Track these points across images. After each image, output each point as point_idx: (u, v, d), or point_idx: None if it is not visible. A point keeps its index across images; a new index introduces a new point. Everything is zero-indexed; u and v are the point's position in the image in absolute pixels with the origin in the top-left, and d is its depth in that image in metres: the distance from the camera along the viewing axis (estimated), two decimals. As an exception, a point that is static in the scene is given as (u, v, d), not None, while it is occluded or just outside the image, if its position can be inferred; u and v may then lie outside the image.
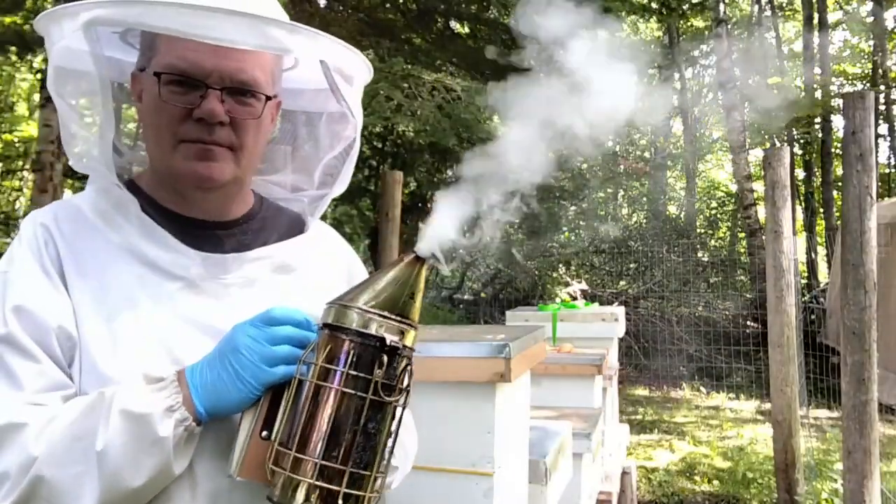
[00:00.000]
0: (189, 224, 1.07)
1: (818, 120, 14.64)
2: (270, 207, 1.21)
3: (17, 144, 12.32)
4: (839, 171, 3.73)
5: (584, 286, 10.63)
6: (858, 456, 3.17)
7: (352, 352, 0.88)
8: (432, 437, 1.29)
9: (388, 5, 7.66)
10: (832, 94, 14.79)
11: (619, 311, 4.44)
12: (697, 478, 5.69)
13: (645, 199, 16.06)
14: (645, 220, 14.19)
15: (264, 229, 1.15)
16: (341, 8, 7.43)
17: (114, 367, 0.95)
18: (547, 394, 3.24)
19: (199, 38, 0.90)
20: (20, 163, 11.91)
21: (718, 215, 16.09)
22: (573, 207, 12.29)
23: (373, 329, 0.88)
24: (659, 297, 10.75)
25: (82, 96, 1.02)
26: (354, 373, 0.87)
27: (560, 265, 11.83)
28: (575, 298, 9.03)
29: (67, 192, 7.57)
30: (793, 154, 15.14)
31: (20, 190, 13.11)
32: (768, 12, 18.46)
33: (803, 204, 17.05)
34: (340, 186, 1.19)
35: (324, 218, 1.26)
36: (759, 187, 11.73)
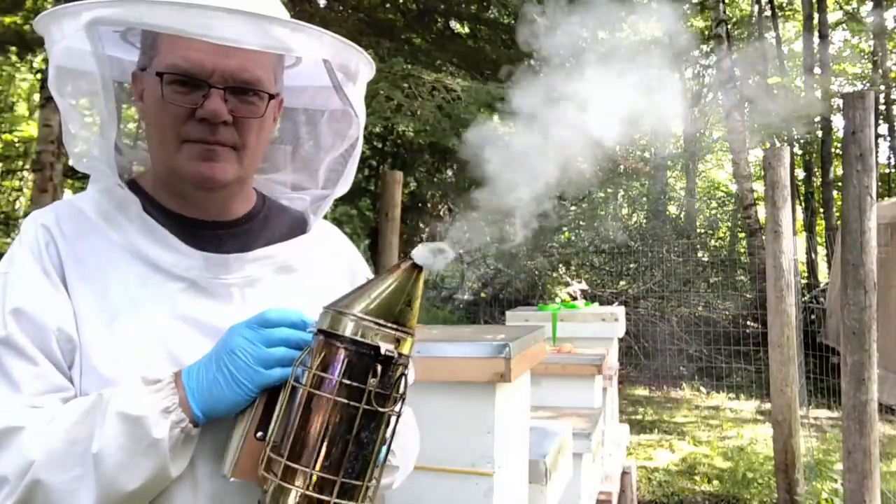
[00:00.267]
0: (191, 224, 1.07)
1: (818, 120, 14.64)
2: (273, 206, 1.20)
3: (17, 144, 12.32)
4: (839, 171, 3.73)
5: (584, 286, 10.63)
6: (858, 456, 3.17)
7: (346, 360, 0.86)
8: (432, 437, 1.29)
9: (388, 5, 7.67)
10: (832, 93, 14.79)
11: (619, 311, 4.44)
12: (697, 478, 5.69)
13: (645, 199, 16.06)
14: (645, 220, 14.18)
15: (266, 229, 1.15)
16: (341, 8, 7.43)
17: (114, 369, 0.94)
18: (547, 394, 3.24)
19: (201, 37, 0.89)
20: (20, 163, 11.91)
21: (718, 215, 16.09)
22: (573, 207, 12.29)
23: (368, 337, 0.87)
24: (659, 297, 10.75)
25: (83, 96, 1.02)
26: (348, 382, 0.86)
27: (560, 265, 11.83)
28: (575, 298, 9.04)
29: (67, 192, 7.57)
30: (793, 154, 15.15)
31: (20, 190, 13.11)
32: (768, 12, 18.46)
33: (803, 204, 17.05)
34: (344, 186, 1.18)
35: (324, 217, 1.25)
36: (759, 187, 11.73)
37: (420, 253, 0.91)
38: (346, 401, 0.86)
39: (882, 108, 16.46)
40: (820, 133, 15.78)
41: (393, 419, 0.91)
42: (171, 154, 1.01)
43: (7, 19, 7.08)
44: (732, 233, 15.94)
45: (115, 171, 1.02)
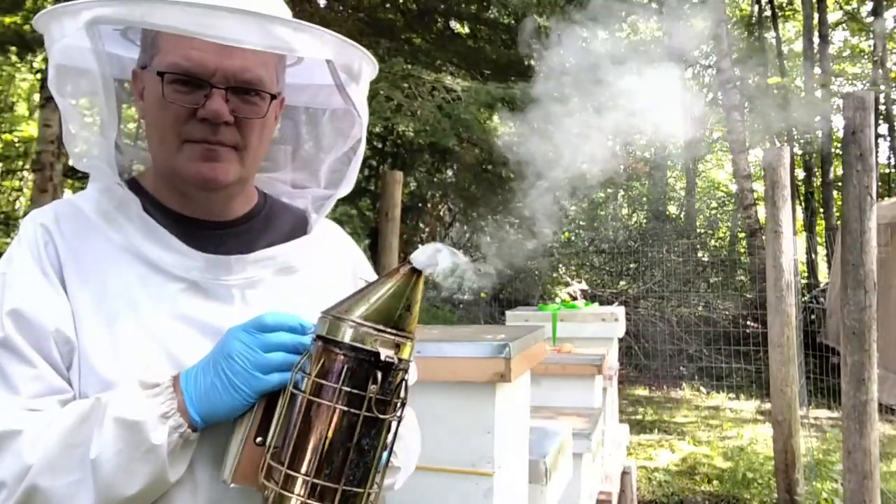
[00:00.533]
0: (191, 224, 1.06)
1: (818, 120, 14.65)
2: (275, 205, 1.19)
3: (17, 144, 12.31)
4: (839, 171, 3.73)
5: (584, 286, 10.63)
6: (858, 456, 3.17)
7: (345, 367, 0.85)
8: (432, 437, 1.29)
9: (388, 5, 7.66)
10: (832, 93, 14.79)
11: (619, 311, 4.44)
12: (697, 478, 5.69)
13: (645, 199, 16.06)
14: (645, 220, 14.19)
15: (268, 228, 1.14)
16: (341, 8, 7.43)
17: (114, 370, 0.94)
18: (547, 394, 3.24)
19: (203, 37, 0.88)
20: (20, 163, 11.91)
21: (718, 215, 16.09)
22: (573, 208, 12.29)
23: (367, 344, 0.85)
24: (659, 297, 10.75)
25: (84, 94, 1.01)
26: (348, 389, 0.85)
27: (560, 265, 11.83)
28: (575, 298, 9.04)
29: (67, 192, 7.56)
30: (793, 154, 15.14)
31: (20, 190, 13.11)
32: (768, 12, 18.46)
33: (803, 204, 17.05)
34: (346, 187, 1.17)
35: (325, 217, 1.24)
36: (759, 187, 11.73)
37: (420, 257, 0.90)
38: (346, 408, 0.85)
39: (882, 108, 16.46)
40: (820, 133, 15.78)
41: (394, 424, 0.90)
42: (172, 154, 1.00)
43: (7, 19, 7.08)
44: (732, 233, 15.95)
45: (115, 170, 1.01)
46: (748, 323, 10.24)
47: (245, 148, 1.02)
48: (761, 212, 10.37)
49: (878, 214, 3.35)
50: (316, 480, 0.84)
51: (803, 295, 9.42)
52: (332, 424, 0.85)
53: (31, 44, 6.55)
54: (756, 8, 19.07)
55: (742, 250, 14.11)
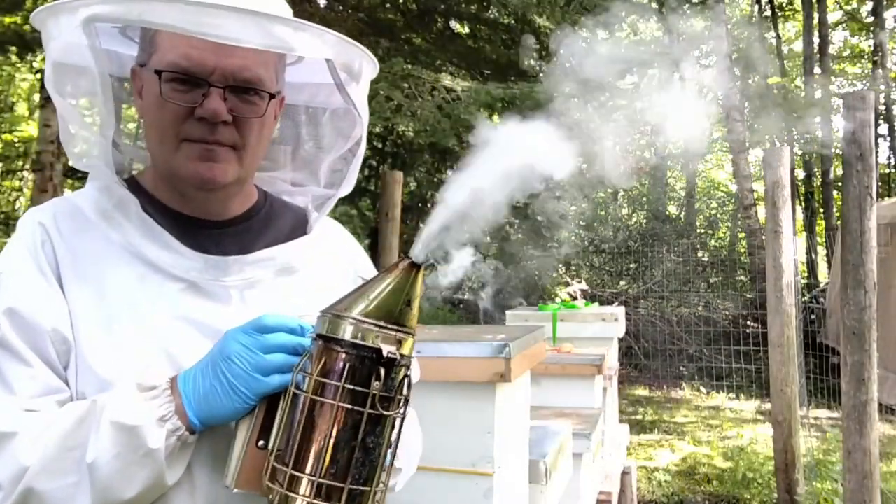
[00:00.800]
0: (190, 223, 1.06)
1: (818, 119, 14.65)
2: (275, 203, 1.19)
3: (17, 144, 12.32)
4: (839, 171, 3.73)
5: (584, 286, 10.62)
6: (858, 456, 3.17)
7: (347, 365, 0.84)
8: (432, 437, 1.29)
9: (388, 5, 7.66)
10: (832, 93, 14.80)
11: (619, 311, 4.44)
12: (697, 478, 5.69)
13: (645, 199, 16.06)
14: (645, 221, 14.18)
15: (268, 228, 1.13)
16: (341, 8, 7.43)
17: (111, 370, 0.93)
18: (547, 394, 3.24)
19: (201, 35, 0.88)
20: (20, 163, 11.91)
21: (718, 215, 16.09)
22: (573, 207, 12.28)
23: (368, 340, 0.84)
24: (659, 297, 10.74)
25: (81, 92, 1.00)
26: (351, 386, 0.83)
27: (560, 265, 11.83)
28: (575, 298, 9.03)
29: (67, 192, 7.55)
30: (793, 154, 15.14)
31: (20, 190, 13.11)
32: (768, 12, 18.46)
33: (803, 204, 17.05)
34: (347, 187, 1.16)
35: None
36: (759, 187, 11.73)
37: (418, 251, 0.89)
38: (349, 406, 0.84)
39: (882, 108, 16.46)
40: (820, 133, 15.78)
41: (398, 421, 0.89)
42: (170, 153, 1.00)
43: (7, 19, 7.08)
44: (732, 233, 15.94)
45: (113, 169, 1.00)
46: (748, 323, 10.24)
47: (243, 147, 1.01)
48: (761, 212, 10.38)
49: (878, 214, 3.35)
50: (322, 480, 0.83)
51: (803, 295, 9.42)
52: (336, 423, 0.84)
53: (31, 44, 6.55)
54: (756, 8, 19.07)
55: (742, 250, 14.11)
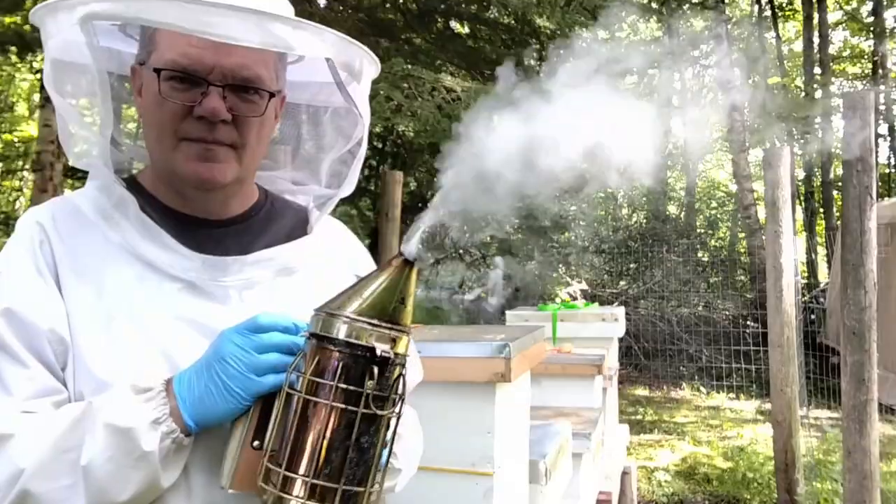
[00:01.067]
0: (190, 222, 1.05)
1: (818, 120, 14.65)
2: (276, 202, 1.18)
3: (17, 144, 12.32)
4: (839, 171, 3.73)
5: (584, 286, 10.62)
6: (858, 456, 3.17)
7: (341, 363, 0.83)
8: (432, 437, 1.29)
9: (388, 5, 7.66)
10: (832, 94, 14.80)
11: (619, 311, 4.44)
12: (697, 478, 5.69)
13: (645, 199, 16.05)
14: (645, 221, 14.18)
15: (268, 227, 1.12)
16: (341, 8, 7.42)
17: (109, 371, 0.93)
18: (547, 394, 3.25)
19: (200, 34, 0.87)
20: (20, 163, 11.91)
21: (718, 215, 16.09)
22: (573, 207, 12.28)
23: (362, 339, 0.83)
24: (659, 297, 10.74)
25: (80, 91, 1.00)
26: (344, 386, 0.83)
27: (560, 265, 11.82)
28: (575, 298, 9.03)
29: (67, 192, 7.55)
30: (793, 154, 15.15)
31: (20, 190, 13.12)
32: (768, 12, 18.46)
33: (803, 204, 17.06)
34: (348, 187, 1.15)
35: None
36: (759, 187, 11.73)
37: (410, 248, 0.88)
38: (343, 406, 0.83)
39: (882, 108, 16.46)
40: (820, 133, 15.78)
41: (393, 421, 0.88)
42: (169, 152, 0.99)
43: (7, 19, 7.07)
44: (732, 233, 15.95)
45: (112, 168, 1.00)
46: (748, 323, 10.24)
47: (243, 147, 1.01)
48: (761, 212, 10.37)
49: (878, 214, 3.35)
50: (315, 481, 0.82)
51: (803, 295, 9.42)
52: (330, 423, 0.83)
53: (31, 44, 6.54)
54: (756, 8, 19.07)
55: (742, 250, 14.11)
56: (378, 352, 0.83)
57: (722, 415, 8.07)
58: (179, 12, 0.87)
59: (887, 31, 16.41)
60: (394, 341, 0.86)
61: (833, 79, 16.99)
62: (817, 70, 15.96)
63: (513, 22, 7.56)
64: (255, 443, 0.90)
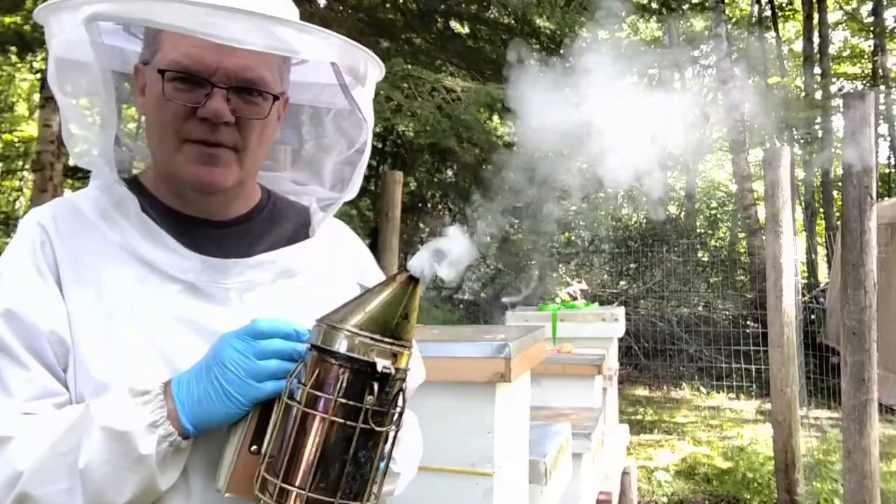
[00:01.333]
0: (191, 223, 1.05)
1: (818, 120, 14.65)
2: (279, 203, 1.18)
3: (17, 144, 12.32)
4: (839, 171, 3.73)
5: (584, 286, 10.62)
6: (858, 456, 3.17)
7: (341, 377, 0.83)
8: (432, 437, 1.29)
9: (388, 5, 7.65)
10: (832, 93, 14.80)
11: (619, 311, 4.44)
12: (697, 478, 5.69)
13: (645, 199, 16.05)
14: (645, 221, 14.18)
15: (270, 229, 1.12)
16: (341, 8, 7.42)
17: (108, 372, 0.92)
18: (547, 394, 3.25)
19: (204, 36, 0.87)
20: (20, 163, 11.91)
21: (718, 215, 16.09)
22: (573, 207, 12.29)
23: (363, 353, 0.83)
24: (659, 297, 10.74)
25: (83, 90, 0.99)
26: (344, 400, 0.82)
27: (560, 265, 11.83)
28: (575, 298, 9.03)
29: (67, 192, 7.55)
30: (793, 154, 15.15)
31: (20, 190, 13.12)
32: (768, 12, 18.46)
33: (803, 204, 17.05)
34: (352, 191, 1.15)
35: None
36: (759, 187, 11.73)
37: (416, 264, 0.88)
38: (342, 420, 0.82)
39: (882, 108, 16.46)
40: (820, 133, 15.79)
41: (391, 435, 0.88)
42: (171, 154, 0.99)
43: (7, 19, 7.06)
44: (732, 233, 15.94)
45: (114, 167, 0.99)
46: (748, 323, 10.24)
47: (245, 149, 1.01)
48: (761, 212, 10.38)
49: (878, 214, 3.35)
50: (311, 494, 0.82)
51: (803, 295, 9.42)
52: (328, 437, 0.83)
53: (31, 44, 6.53)
54: (756, 8, 19.07)
55: (742, 250, 14.11)
56: (379, 367, 0.83)
57: (722, 415, 8.07)
58: (184, 14, 0.86)
59: (887, 31, 16.41)
60: (395, 356, 0.85)
61: (833, 79, 16.98)
62: (817, 70, 15.96)
63: (513, 22, 7.55)
64: (253, 447, 0.89)
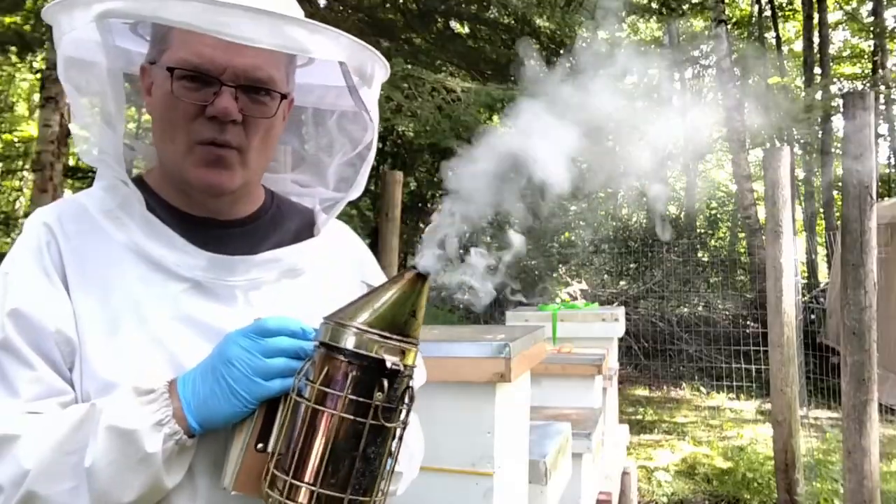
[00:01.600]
0: (196, 223, 1.05)
1: (818, 119, 14.66)
2: (282, 204, 1.18)
3: (17, 144, 12.32)
4: (839, 171, 3.73)
5: (584, 286, 10.63)
6: (858, 456, 3.17)
7: (350, 375, 0.84)
8: (432, 437, 1.29)
9: (388, 5, 7.65)
10: (832, 94, 14.80)
11: (619, 311, 4.44)
12: (697, 478, 5.69)
13: (645, 198, 16.05)
14: (645, 220, 14.19)
15: (275, 229, 1.12)
16: (341, 8, 7.42)
17: (114, 372, 0.93)
18: (547, 394, 3.24)
19: (217, 34, 0.87)
20: (20, 163, 11.91)
21: (718, 215, 16.10)
22: (573, 208, 12.29)
23: (372, 351, 0.84)
24: (659, 297, 10.74)
25: (93, 88, 0.99)
26: (353, 397, 0.83)
27: (560, 265, 11.83)
28: (575, 298, 9.04)
29: (67, 192, 7.56)
30: (793, 154, 15.14)
31: (20, 190, 13.12)
32: (768, 12, 18.46)
33: (803, 204, 17.06)
34: (357, 191, 1.15)
35: None
36: (759, 187, 11.73)
37: (425, 262, 0.88)
38: (352, 417, 0.83)
39: (882, 108, 16.47)
40: (820, 133, 15.79)
41: (398, 431, 0.88)
42: (179, 154, 0.99)
43: (7, 19, 7.07)
44: (732, 233, 15.95)
45: (123, 165, 1.00)
46: (748, 323, 10.24)
47: (251, 150, 1.01)
48: (761, 212, 10.38)
49: (878, 214, 3.35)
50: (321, 490, 0.83)
51: (803, 295, 9.42)
52: (338, 433, 0.84)
53: (31, 44, 6.53)
54: (756, 8, 19.07)
55: (742, 250, 14.11)
56: (388, 364, 0.83)
57: (722, 415, 8.07)
58: (197, 12, 0.86)
59: (887, 31, 16.41)
60: (403, 353, 0.86)
61: (833, 79, 16.99)
62: (817, 70, 15.97)
63: (513, 22, 7.56)
64: (259, 445, 0.90)
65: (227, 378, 0.88)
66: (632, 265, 11.86)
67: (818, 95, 13.87)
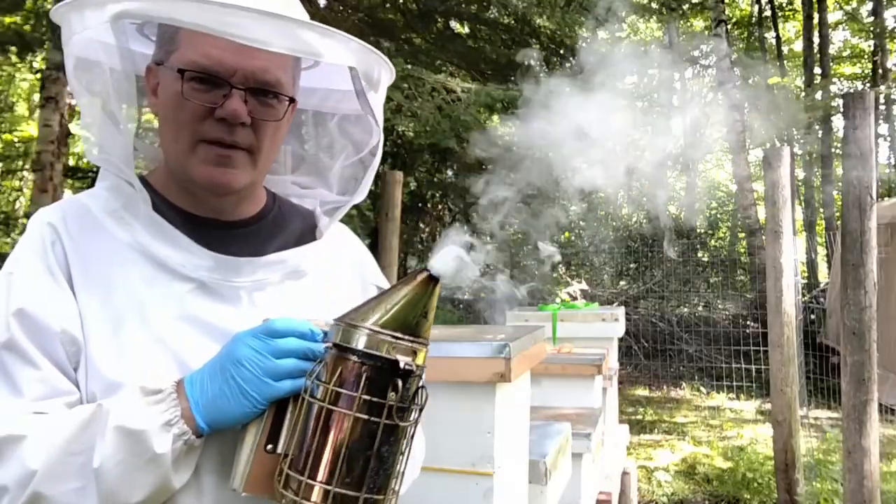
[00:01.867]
0: (200, 223, 1.05)
1: (818, 119, 14.66)
2: (284, 206, 1.18)
3: (17, 144, 12.32)
4: (839, 171, 3.74)
5: (584, 286, 10.62)
6: (858, 456, 3.17)
7: (364, 375, 0.85)
8: (432, 436, 1.29)
9: (388, 5, 7.65)
10: (832, 94, 14.80)
11: (619, 311, 4.44)
12: (697, 478, 5.69)
13: (645, 198, 16.05)
14: (645, 220, 14.18)
15: (278, 230, 1.13)
16: (341, 8, 7.42)
17: (119, 372, 0.93)
18: (547, 394, 3.24)
19: (229, 37, 0.87)
20: (20, 163, 11.91)
21: (718, 215, 16.09)
22: (573, 208, 12.28)
23: (385, 351, 0.85)
24: (659, 297, 10.74)
25: (103, 89, 0.99)
26: (367, 397, 0.84)
27: (560, 265, 11.83)
28: (575, 298, 9.03)
29: (67, 192, 7.55)
30: (793, 154, 15.14)
31: (20, 190, 13.12)
32: (768, 12, 18.46)
33: (803, 204, 17.05)
34: (361, 194, 1.15)
35: None
36: (759, 187, 11.73)
37: (437, 264, 0.89)
38: (366, 417, 0.84)
39: (882, 108, 16.46)
40: (820, 133, 15.79)
41: (411, 430, 0.89)
42: (185, 154, 1.00)
43: (7, 19, 7.07)
44: (732, 233, 15.94)
45: (132, 165, 1.00)
46: (748, 323, 10.24)
47: (258, 151, 1.01)
48: (761, 212, 10.37)
49: (878, 214, 3.35)
50: (337, 490, 0.83)
51: (803, 295, 9.42)
52: (352, 433, 0.84)
53: (31, 44, 6.53)
54: (756, 8, 19.07)
55: (742, 250, 14.11)
56: (401, 364, 0.84)
57: (722, 415, 8.07)
58: (210, 14, 0.87)
59: (887, 31, 16.41)
60: (415, 353, 0.87)
61: (833, 79, 16.99)
62: (817, 70, 15.97)
63: (513, 22, 7.56)
64: (269, 446, 0.90)
65: (237, 378, 0.88)
66: (632, 265, 11.86)
67: (818, 95, 13.87)
